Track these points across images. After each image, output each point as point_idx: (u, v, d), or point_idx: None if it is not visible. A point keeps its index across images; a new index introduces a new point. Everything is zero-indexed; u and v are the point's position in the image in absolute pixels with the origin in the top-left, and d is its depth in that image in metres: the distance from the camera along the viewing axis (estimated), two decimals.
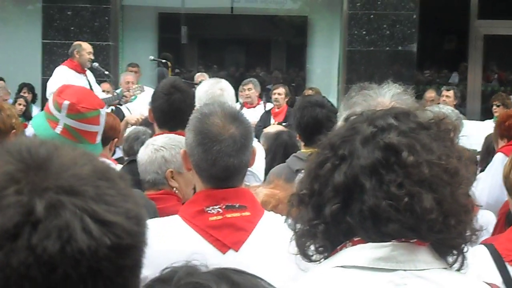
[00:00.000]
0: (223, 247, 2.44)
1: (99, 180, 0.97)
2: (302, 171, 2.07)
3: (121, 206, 0.96)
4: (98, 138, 3.44)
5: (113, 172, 1.02)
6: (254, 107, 10.33)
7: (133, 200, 1.00)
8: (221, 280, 1.05)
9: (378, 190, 1.58)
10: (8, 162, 0.95)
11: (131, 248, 0.96)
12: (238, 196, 2.53)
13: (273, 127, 6.33)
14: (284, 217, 1.94)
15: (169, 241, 2.44)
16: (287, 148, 4.92)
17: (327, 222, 1.64)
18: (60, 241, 0.89)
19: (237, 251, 2.44)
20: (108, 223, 0.93)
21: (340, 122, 2.16)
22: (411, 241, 1.60)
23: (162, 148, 3.53)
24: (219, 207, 2.48)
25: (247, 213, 2.49)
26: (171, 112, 4.11)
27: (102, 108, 3.45)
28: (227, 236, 2.45)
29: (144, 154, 3.57)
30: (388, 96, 2.31)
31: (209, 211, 2.48)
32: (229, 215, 2.47)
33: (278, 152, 4.81)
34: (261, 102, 10.52)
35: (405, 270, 1.60)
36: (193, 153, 2.53)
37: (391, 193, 1.57)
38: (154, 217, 2.89)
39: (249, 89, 10.43)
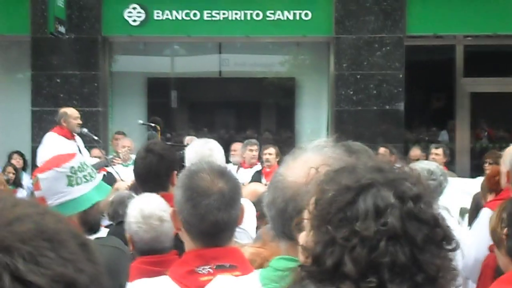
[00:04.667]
0: None
1: (40, 240, 0.95)
2: None
3: (53, 269, 0.93)
4: (50, 202, 3.42)
5: (64, 234, 0.99)
6: (251, 167, 10.37)
7: (74, 265, 0.97)
8: None
9: None
10: None
11: None
12: (228, 256, 2.53)
13: (252, 185, 6.25)
14: None
15: None
16: None
17: None
18: None
19: None
20: (27, 283, 0.90)
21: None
22: None
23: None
24: (210, 267, 2.48)
25: (237, 273, 2.46)
26: (146, 174, 4.18)
27: (41, 173, 3.47)
28: None
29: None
30: (311, 150, 2.16)
31: (199, 271, 2.47)
32: (220, 275, 2.45)
33: None
34: (259, 163, 10.55)
35: None
36: (182, 210, 2.53)
37: None
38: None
39: (256, 150, 10.54)
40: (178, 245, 3.34)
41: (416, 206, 1.61)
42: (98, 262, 1.04)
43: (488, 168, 9.43)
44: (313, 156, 2.04)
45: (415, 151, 10.67)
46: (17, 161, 11.66)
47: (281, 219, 1.98)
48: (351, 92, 11.97)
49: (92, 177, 3.57)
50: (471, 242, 4.36)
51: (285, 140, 14.58)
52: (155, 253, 3.49)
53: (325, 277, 1.57)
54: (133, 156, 9.21)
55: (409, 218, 1.59)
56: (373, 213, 1.58)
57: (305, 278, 1.61)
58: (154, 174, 4.13)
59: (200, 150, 4.49)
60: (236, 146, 11.01)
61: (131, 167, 8.84)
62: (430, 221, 1.62)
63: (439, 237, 1.63)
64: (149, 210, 3.55)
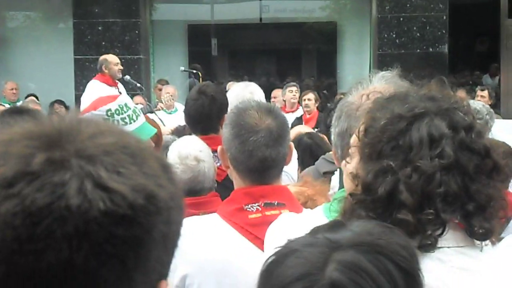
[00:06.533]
0: (263, 245, 2.43)
1: (123, 154, 0.97)
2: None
3: (134, 179, 0.95)
4: None
5: (146, 152, 1.01)
6: (293, 111, 10.35)
7: (155, 180, 0.98)
8: None
9: None
10: (46, 126, 0.99)
11: (129, 219, 0.93)
12: (277, 194, 2.53)
13: (297, 128, 6.18)
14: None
15: (209, 239, 2.45)
16: (313, 150, 4.89)
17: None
18: (52, 196, 0.90)
19: None
20: (109, 189, 0.92)
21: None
22: (455, 221, 1.61)
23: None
24: (258, 205, 2.49)
25: (286, 211, 2.46)
26: (198, 116, 4.17)
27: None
28: None
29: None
30: (378, 80, 2.22)
31: (248, 209, 2.49)
32: (268, 213, 2.46)
33: (304, 156, 4.77)
34: (300, 107, 10.54)
35: (449, 247, 1.60)
36: (230, 147, 2.54)
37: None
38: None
39: (296, 92, 10.58)
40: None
41: (468, 136, 1.60)
42: (177, 184, 1.05)
43: None
44: (385, 85, 2.05)
45: (461, 93, 10.53)
46: (58, 110, 11.77)
47: None
48: (394, 35, 11.80)
49: (133, 119, 3.58)
50: None
51: (327, 86, 14.49)
52: (194, 194, 3.50)
53: (377, 205, 1.56)
54: (176, 104, 9.29)
55: (462, 148, 1.58)
56: (427, 143, 1.57)
57: (356, 207, 1.61)
58: (205, 115, 4.14)
59: (241, 93, 4.47)
60: (277, 93, 10.99)
61: (174, 114, 8.98)
62: (481, 151, 1.61)
63: (489, 167, 1.61)
64: (185, 151, 3.55)
